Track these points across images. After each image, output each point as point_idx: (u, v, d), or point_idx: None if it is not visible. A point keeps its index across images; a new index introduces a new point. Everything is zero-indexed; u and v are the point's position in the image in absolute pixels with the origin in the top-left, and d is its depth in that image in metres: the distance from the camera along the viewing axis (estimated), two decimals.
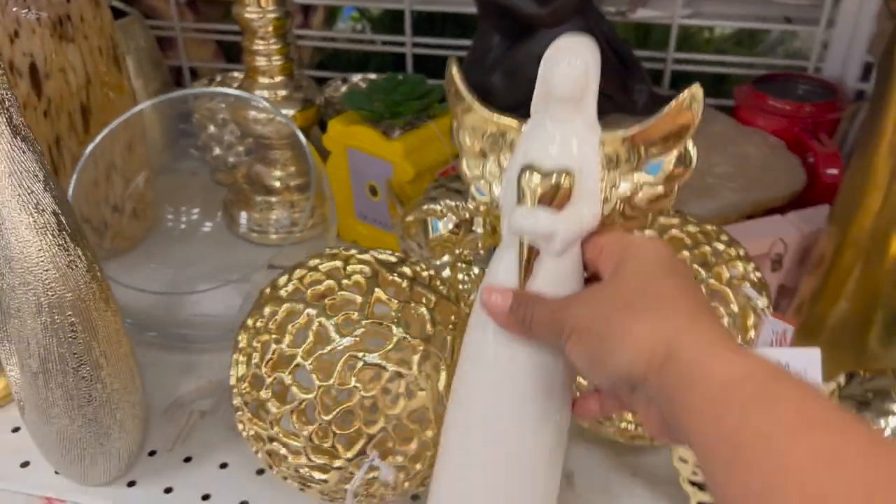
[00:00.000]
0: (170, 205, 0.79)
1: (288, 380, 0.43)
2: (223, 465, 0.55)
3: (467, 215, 0.56)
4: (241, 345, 0.47)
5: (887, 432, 0.47)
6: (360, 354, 0.42)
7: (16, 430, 0.58)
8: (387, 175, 0.71)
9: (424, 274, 0.48)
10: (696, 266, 0.49)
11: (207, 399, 0.60)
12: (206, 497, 0.52)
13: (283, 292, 0.46)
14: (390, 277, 0.45)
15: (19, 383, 0.51)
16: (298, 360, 0.42)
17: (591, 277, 0.38)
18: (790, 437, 0.25)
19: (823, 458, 0.25)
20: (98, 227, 0.70)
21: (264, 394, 0.44)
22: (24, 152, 0.42)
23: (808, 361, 0.45)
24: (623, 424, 0.50)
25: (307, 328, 0.43)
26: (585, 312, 0.33)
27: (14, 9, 0.60)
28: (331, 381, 0.42)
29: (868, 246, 0.57)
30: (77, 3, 0.64)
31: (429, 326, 0.44)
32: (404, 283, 0.45)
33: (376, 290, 0.44)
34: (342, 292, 0.44)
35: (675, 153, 0.36)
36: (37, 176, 0.42)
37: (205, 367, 0.64)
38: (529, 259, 0.36)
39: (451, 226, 0.57)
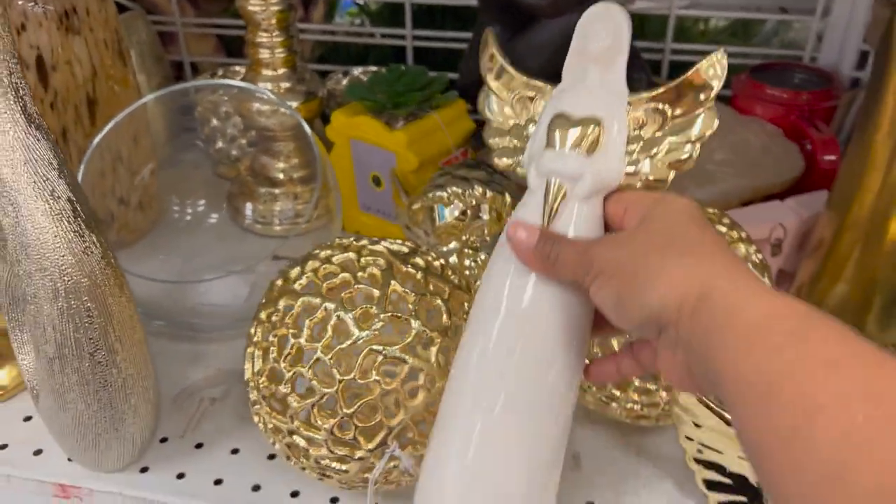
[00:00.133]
0: (175, 197, 0.79)
1: (308, 374, 0.43)
2: (234, 451, 0.56)
3: (474, 202, 0.57)
4: (255, 338, 0.47)
5: None
6: (381, 348, 0.42)
7: (27, 419, 0.58)
8: (390, 165, 0.71)
9: (436, 264, 0.48)
10: None
11: (217, 387, 0.60)
12: (218, 482, 0.53)
13: (297, 286, 0.46)
14: (405, 269, 0.46)
15: (33, 370, 0.51)
16: (319, 354, 0.43)
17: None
18: (826, 370, 0.25)
19: (859, 391, 0.24)
20: (104, 219, 0.71)
21: (284, 388, 0.44)
22: (38, 140, 0.42)
23: None
24: (629, 404, 0.51)
25: (325, 322, 0.43)
26: (616, 253, 0.33)
27: (21, 2, 0.61)
28: (352, 375, 0.42)
29: (867, 228, 0.58)
30: None
31: (445, 318, 0.44)
32: (419, 275, 0.46)
33: (392, 282, 0.44)
34: (359, 286, 0.44)
35: (699, 116, 0.37)
36: (51, 164, 0.43)
37: (212, 357, 0.64)
38: (556, 200, 0.37)
39: (457, 213, 0.58)
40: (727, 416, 0.46)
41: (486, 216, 0.57)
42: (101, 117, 0.69)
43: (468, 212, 0.57)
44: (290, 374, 0.44)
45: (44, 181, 0.42)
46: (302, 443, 0.44)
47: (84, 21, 0.65)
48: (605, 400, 0.52)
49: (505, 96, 0.42)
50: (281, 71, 0.75)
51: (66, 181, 0.43)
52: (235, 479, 0.53)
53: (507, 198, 0.58)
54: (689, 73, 0.37)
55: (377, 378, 0.42)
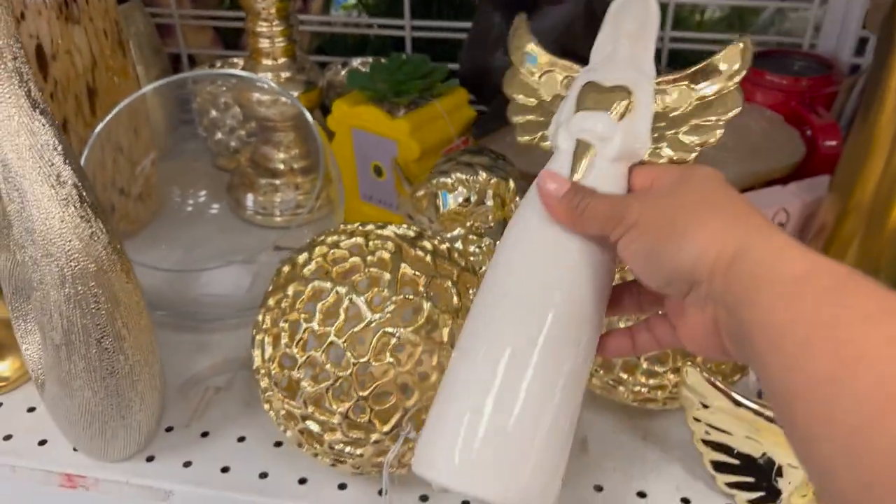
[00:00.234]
0: (176, 188, 0.79)
1: (322, 358, 0.43)
2: (241, 439, 0.55)
3: (478, 188, 0.57)
4: (265, 325, 0.47)
5: None
6: (394, 330, 0.42)
7: (31, 409, 0.58)
8: (392, 154, 0.71)
9: (443, 247, 0.48)
10: None
11: (222, 376, 0.60)
12: (225, 469, 0.53)
13: (305, 271, 0.46)
14: (413, 252, 0.46)
15: (38, 359, 0.51)
16: (332, 338, 0.43)
17: None
18: (866, 323, 0.25)
19: None
20: (105, 210, 0.70)
21: (297, 373, 0.44)
22: (43, 125, 0.42)
23: None
24: (636, 387, 0.51)
25: (337, 306, 0.43)
26: (651, 207, 0.33)
27: None
28: (366, 358, 0.42)
29: (869, 212, 0.58)
30: None
31: (455, 299, 0.44)
32: (427, 258, 0.46)
33: (402, 265, 0.44)
34: (369, 269, 0.44)
35: (724, 97, 0.38)
36: (56, 149, 0.43)
37: (215, 346, 0.64)
38: (585, 156, 0.37)
39: (460, 199, 0.57)
40: (736, 395, 0.46)
41: (490, 202, 0.57)
42: (101, 108, 0.68)
43: (472, 198, 0.57)
44: (303, 358, 0.43)
45: (49, 166, 0.42)
46: (315, 428, 0.44)
47: (84, 10, 0.65)
48: (613, 383, 0.52)
49: (531, 77, 0.43)
50: (281, 60, 0.75)
51: (71, 166, 0.43)
52: (242, 466, 0.53)
53: (511, 183, 0.58)
54: (716, 56, 0.38)
55: (391, 360, 0.42)
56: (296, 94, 0.75)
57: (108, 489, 0.53)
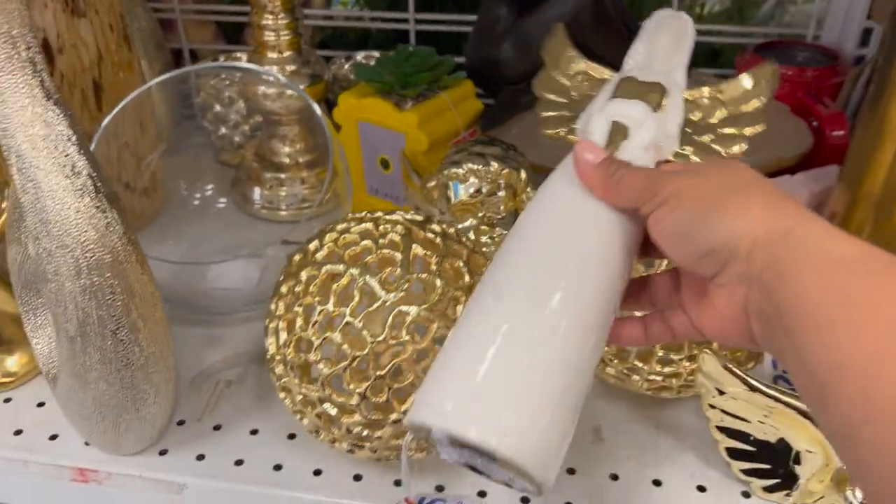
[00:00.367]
0: (182, 182, 0.79)
1: (338, 338, 0.43)
2: (254, 432, 0.55)
3: (490, 178, 0.57)
4: (278, 312, 0.47)
5: None
6: (409, 308, 0.43)
7: (41, 404, 0.58)
8: (399, 147, 0.71)
9: (451, 230, 0.49)
10: None
11: (234, 369, 0.60)
12: (239, 462, 0.53)
13: (318, 256, 0.46)
14: (423, 234, 0.46)
15: (49, 352, 0.51)
16: (348, 318, 0.43)
17: None
18: None
19: None
20: (119, 201, 0.70)
21: (313, 356, 0.44)
22: (57, 115, 0.42)
23: None
24: (651, 376, 0.51)
25: (351, 287, 0.43)
26: (689, 183, 0.33)
27: None
28: (382, 337, 0.42)
29: (879, 202, 0.58)
30: None
31: (467, 277, 0.44)
32: (437, 239, 0.46)
33: (413, 245, 0.44)
34: (381, 251, 0.44)
35: (749, 113, 0.40)
36: (71, 139, 0.42)
37: (226, 340, 0.64)
38: (619, 136, 0.37)
39: (472, 190, 0.57)
40: (753, 381, 0.46)
41: (501, 192, 0.57)
42: (107, 102, 0.68)
43: (483, 188, 0.57)
44: (319, 340, 0.43)
45: (64, 156, 0.42)
46: (333, 411, 0.44)
47: (90, 4, 0.64)
48: (627, 372, 0.52)
49: (565, 79, 0.44)
50: (286, 54, 0.75)
51: (85, 157, 0.43)
52: (256, 459, 0.53)
53: (523, 174, 0.58)
54: (744, 74, 0.40)
55: (407, 337, 0.42)
56: (301, 87, 0.75)
57: (121, 483, 0.53)
